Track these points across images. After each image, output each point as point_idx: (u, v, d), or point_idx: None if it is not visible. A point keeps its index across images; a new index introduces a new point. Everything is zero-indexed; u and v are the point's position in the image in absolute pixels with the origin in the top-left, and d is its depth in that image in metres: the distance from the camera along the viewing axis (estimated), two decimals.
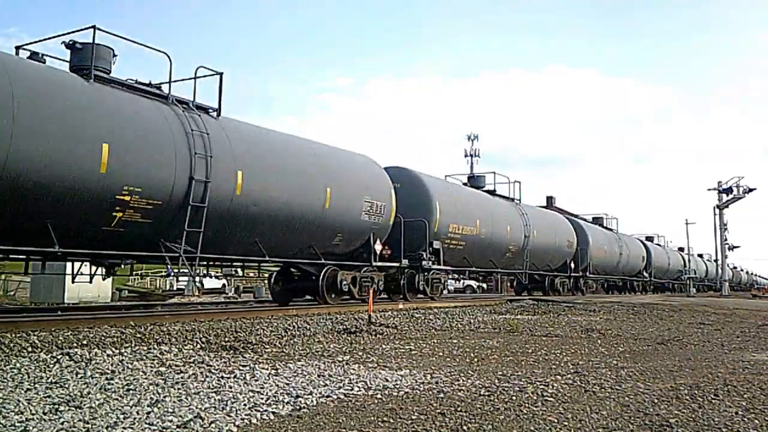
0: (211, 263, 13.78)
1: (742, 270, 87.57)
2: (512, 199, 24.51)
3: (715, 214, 42.47)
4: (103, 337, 7.50)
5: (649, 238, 47.66)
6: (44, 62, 10.16)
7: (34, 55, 10.15)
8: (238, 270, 23.00)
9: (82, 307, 15.25)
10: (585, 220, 35.86)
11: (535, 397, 4.51)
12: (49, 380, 4.88)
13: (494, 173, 24.14)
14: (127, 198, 9.73)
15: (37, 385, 4.65)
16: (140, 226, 10.21)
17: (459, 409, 4.14)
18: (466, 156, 53.57)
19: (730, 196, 40.18)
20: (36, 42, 10.46)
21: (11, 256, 10.61)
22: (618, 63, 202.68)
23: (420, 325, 10.46)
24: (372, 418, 3.88)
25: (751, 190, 39.54)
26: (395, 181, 17.09)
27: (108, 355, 6.11)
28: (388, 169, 17.46)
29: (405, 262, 16.67)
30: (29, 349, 6.47)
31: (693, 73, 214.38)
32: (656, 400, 4.48)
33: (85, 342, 7.10)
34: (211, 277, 29.33)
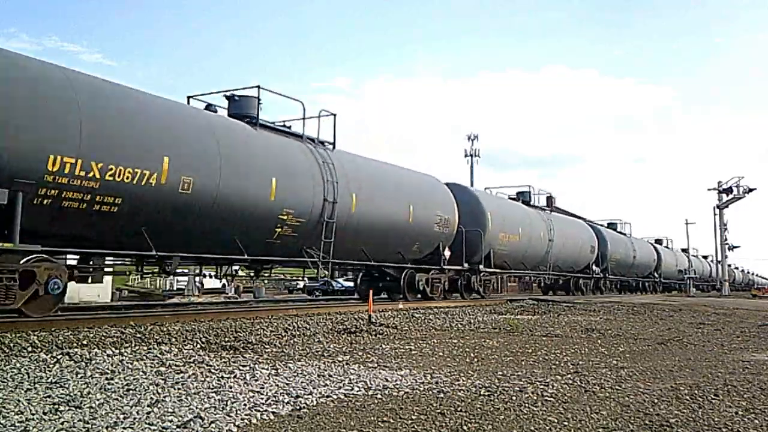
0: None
1: (736, 268, 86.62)
2: (311, 140, 14.34)
3: (715, 214, 42.53)
4: (103, 337, 7.50)
5: (611, 225, 38.47)
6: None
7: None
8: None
9: (82, 307, 15.24)
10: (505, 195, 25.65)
11: (535, 397, 4.51)
12: (49, 380, 4.87)
13: (258, 87, 13.40)
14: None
15: (37, 385, 4.65)
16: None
17: (459, 409, 4.14)
18: (466, 156, 53.60)
19: (730, 196, 40.23)
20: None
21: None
22: (618, 63, 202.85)
23: (420, 325, 10.46)
24: (372, 418, 3.88)
25: (751, 190, 39.61)
26: None
27: (108, 355, 6.11)
28: None
29: None
30: (29, 349, 6.47)
31: (693, 73, 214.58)
32: (656, 400, 4.48)
33: (85, 342, 7.09)
34: (211, 277, 28.65)
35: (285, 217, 12.77)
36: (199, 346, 7.15)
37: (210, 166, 11.07)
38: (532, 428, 3.69)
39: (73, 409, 3.94)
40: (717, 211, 41.90)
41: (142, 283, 31.87)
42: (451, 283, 19.65)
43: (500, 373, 5.60)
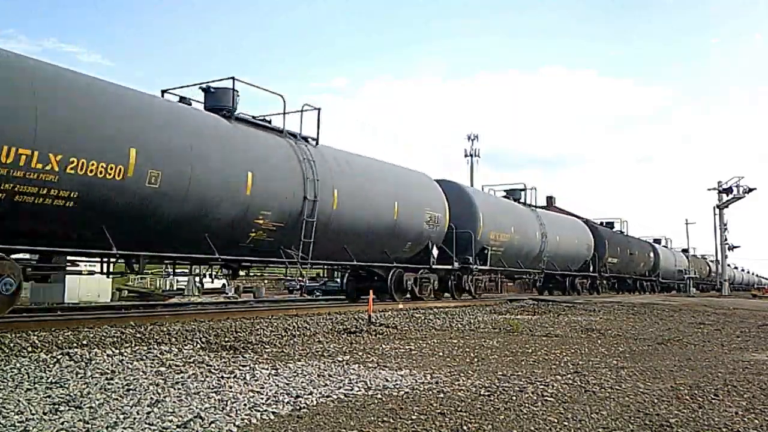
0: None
1: (729, 265, 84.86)
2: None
3: (715, 214, 42.61)
4: (103, 337, 7.50)
5: (511, 192, 25.76)
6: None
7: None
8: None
9: (82, 307, 15.28)
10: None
11: (535, 397, 4.51)
12: (49, 380, 4.87)
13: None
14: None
15: (37, 385, 4.65)
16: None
17: (459, 409, 4.13)
18: (466, 156, 53.74)
19: (730, 196, 40.28)
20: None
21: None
22: (616, 64, 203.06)
23: (420, 325, 10.45)
24: (372, 418, 3.88)
25: (751, 190, 39.65)
26: None
27: (108, 355, 6.11)
28: None
29: None
30: (29, 349, 6.47)
31: (691, 73, 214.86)
32: (656, 400, 4.48)
33: (85, 342, 7.09)
34: (211, 277, 27.46)
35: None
36: (199, 346, 7.15)
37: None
38: (532, 428, 3.69)
39: (73, 409, 3.94)
40: (717, 211, 41.97)
41: (142, 283, 31.91)
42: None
43: (500, 373, 5.60)
